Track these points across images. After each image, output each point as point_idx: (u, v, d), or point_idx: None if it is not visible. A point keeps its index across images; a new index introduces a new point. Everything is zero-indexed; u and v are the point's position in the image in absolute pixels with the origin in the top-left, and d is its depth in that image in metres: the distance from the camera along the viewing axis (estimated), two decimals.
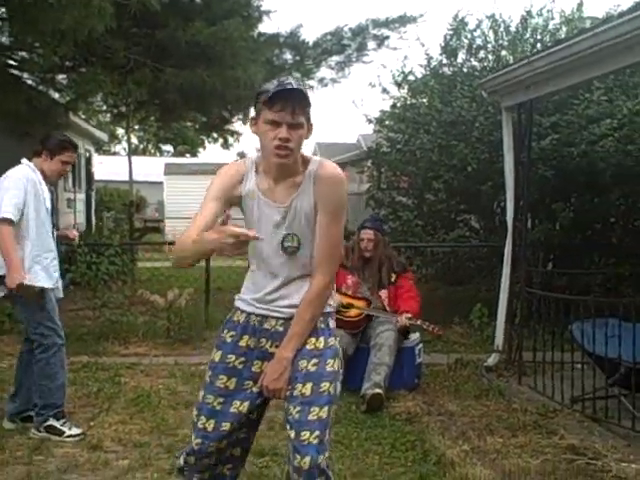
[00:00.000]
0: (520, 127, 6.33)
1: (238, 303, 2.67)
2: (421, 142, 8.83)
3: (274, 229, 2.55)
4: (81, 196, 14.13)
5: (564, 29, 9.52)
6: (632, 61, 4.73)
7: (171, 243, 9.79)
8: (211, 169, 18.54)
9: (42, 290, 4.33)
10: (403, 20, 11.02)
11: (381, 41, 11.13)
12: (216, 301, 7.92)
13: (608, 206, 7.94)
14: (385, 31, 11.09)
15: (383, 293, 5.63)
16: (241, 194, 2.56)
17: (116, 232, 11.73)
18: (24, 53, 9.07)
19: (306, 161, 2.56)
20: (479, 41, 9.67)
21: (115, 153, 25.05)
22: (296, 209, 2.53)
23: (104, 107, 12.73)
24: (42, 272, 4.33)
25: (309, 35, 11.59)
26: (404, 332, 5.56)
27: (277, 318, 2.59)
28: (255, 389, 2.60)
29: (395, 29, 11.07)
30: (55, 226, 4.62)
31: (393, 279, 5.65)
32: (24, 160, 4.49)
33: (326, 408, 2.49)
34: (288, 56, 11.15)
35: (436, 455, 4.09)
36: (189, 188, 22.01)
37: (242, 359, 2.60)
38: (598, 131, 7.52)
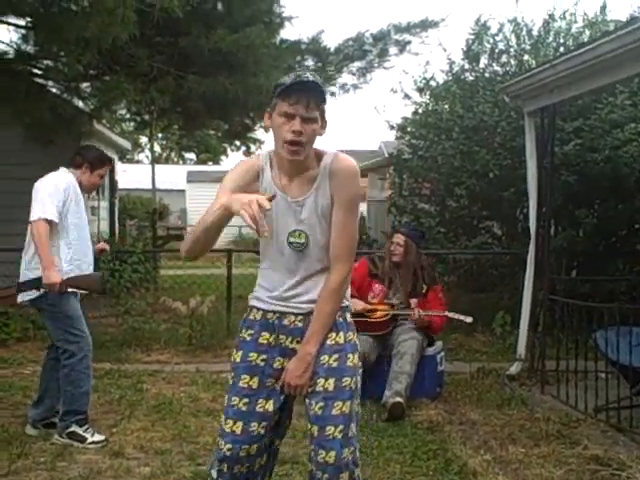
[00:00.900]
0: (543, 132, 6.29)
1: (253, 302, 2.66)
2: (443, 148, 8.80)
3: (289, 225, 2.55)
4: (105, 204, 14.21)
5: (587, 32, 9.45)
6: None
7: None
8: None
9: (69, 292, 4.36)
10: (425, 25, 10.96)
11: (403, 46, 11.08)
12: (238, 308, 7.92)
13: (632, 212, 7.84)
14: (407, 36, 11.04)
15: (414, 302, 5.58)
16: (259, 190, 2.53)
17: (139, 240, 11.81)
18: (49, 61, 9.15)
19: (320, 155, 2.55)
20: (501, 45, 9.63)
21: (138, 161, 25.22)
22: (312, 205, 2.52)
23: (127, 115, 12.81)
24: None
25: (331, 41, 11.58)
26: (427, 334, 5.54)
27: (296, 314, 2.58)
28: (278, 386, 2.58)
29: (417, 34, 11.02)
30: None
31: (424, 291, 5.62)
32: (63, 168, 4.56)
33: (349, 403, 2.50)
34: (310, 62, 11.15)
35: (458, 465, 4.06)
36: (211, 195, 22.07)
37: (263, 356, 2.58)
38: (622, 136, 7.45)
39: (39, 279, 4.28)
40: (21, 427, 4.61)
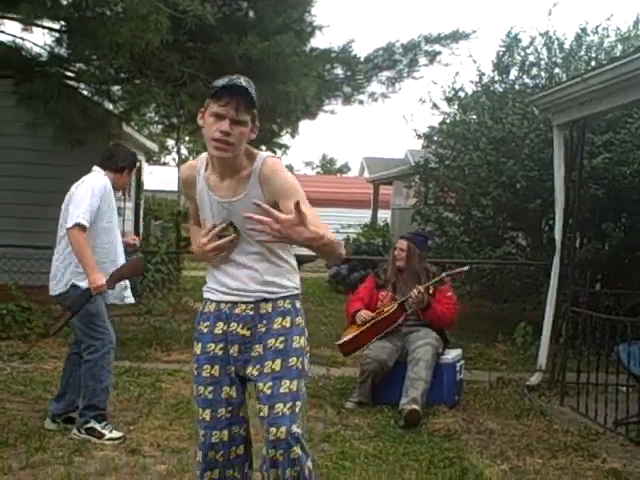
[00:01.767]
0: (571, 145, 6.25)
1: (207, 295, 2.77)
2: (470, 158, 8.78)
3: (218, 220, 2.65)
4: (130, 205, 14.36)
5: (620, 47, 9.37)
6: None
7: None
8: None
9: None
10: (455, 36, 10.96)
11: (433, 57, 11.08)
12: None
13: None
14: (437, 47, 11.03)
15: (415, 291, 5.54)
16: (197, 192, 2.69)
17: (163, 241, 11.90)
18: (81, 65, 9.29)
19: (252, 157, 2.63)
20: (532, 58, 9.57)
21: (165, 163, 25.40)
22: (241, 207, 2.56)
23: (156, 118, 12.93)
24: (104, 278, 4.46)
25: (361, 50, 11.55)
26: (443, 336, 5.53)
27: (246, 302, 2.67)
28: (234, 373, 2.69)
29: (447, 45, 11.01)
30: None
31: (431, 291, 5.61)
32: (97, 168, 4.64)
33: (296, 382, 2.60)
34: (339, 71, 11.18)
35: (474, 473, 4.04)
36: None
37: (221, 345, 2.69)
38: None
39: (88, 289, 4.37)
40: (40, 421, 4.66)
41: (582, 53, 9.46)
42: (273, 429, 2.54)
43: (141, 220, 15.73)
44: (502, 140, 8.45)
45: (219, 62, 8.84)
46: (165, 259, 9.58)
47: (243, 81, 2.52)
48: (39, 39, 9.38)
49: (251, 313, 2.66)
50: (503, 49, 9.72)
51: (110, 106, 10.34)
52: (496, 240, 9.03)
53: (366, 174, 26.31)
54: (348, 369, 6.47)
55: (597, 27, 9.58)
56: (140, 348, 7.03)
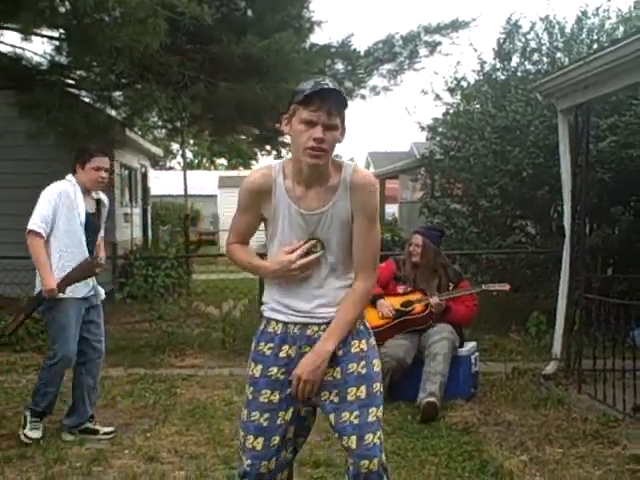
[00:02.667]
0: (577, 130, 6.20)
1: (269, 313, 2.61)
2: (475, 148, 8.74)
3: (303, 236, 2.53)
4: (137, 210, 14.37)
5: (621, 28, 9.32)
6: None
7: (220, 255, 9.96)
8: None
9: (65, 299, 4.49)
10: (455, 25, 10.89)
11: (433, 47, 11.02)
12: None
13: None
14: (437, 37, 10.98)
15: (434, 299, 5.53)
16: (272, 203, 2.53)
17: (172, 245, 11.90)
18: (82, 72, 9.29)
19: (337, 166, 2.53)
20: (533, 44, 9.54)
21: (170, 168, 25.37)
22: (331, 216, 2.51)
23: (159, 123, 12.94)
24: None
25: (360, 44, 11.52)
26: (459, 333, 5.50)
27: (319, 324, 2.55)
28: (292, 398, 2.56)
29: (447, 35, 10.95)
30: (91, 240, 4.66)
31: (450, 289, 5.59)
32: (68, 175, 4.65)
33: (381, 407, 2.54)
34: (340, 66, 11.14)
35: (494, 466, 4.01)
36: None
37: (283, 369, 2.56)
38: None
39: (40, 292, 4.48)
40: (57, 432, 4.66)
41: (583, 36, 9.41)
42: (365, 462, 2.45)
43: (149, 226, 15.76)
44: (506, 128, 8.40)
45: (219, 62, 8.82)
46: (175, 264, 9.56)
47: (330, 83, 2.43)
48: (39, 48, 9.38)
49: (323, 335, 2.54)
50: (504, 36, 9.69)
51: (112, 112, 10.34)
52: (505, 229, 8.99)
53: (371, 169, 26.28)
54: None
55: (598, 9, 9.56)
56: (154, 354, 7.02)
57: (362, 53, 10.91)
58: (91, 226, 4.62)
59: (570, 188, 6.21)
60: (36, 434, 4.52)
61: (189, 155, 34.13)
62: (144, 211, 15.38)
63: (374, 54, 10.98)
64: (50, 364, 4.56)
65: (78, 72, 9.40)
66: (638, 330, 4.94)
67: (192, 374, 6.34)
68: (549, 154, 7.68)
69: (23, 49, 9.18)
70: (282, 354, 2.57)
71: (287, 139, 13.96)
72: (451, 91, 10.39)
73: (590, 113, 6.27)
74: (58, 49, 9.05)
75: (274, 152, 14.14)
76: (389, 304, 5.48)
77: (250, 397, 2.59)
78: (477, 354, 5.72)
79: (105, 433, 4.61)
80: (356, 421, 2.48)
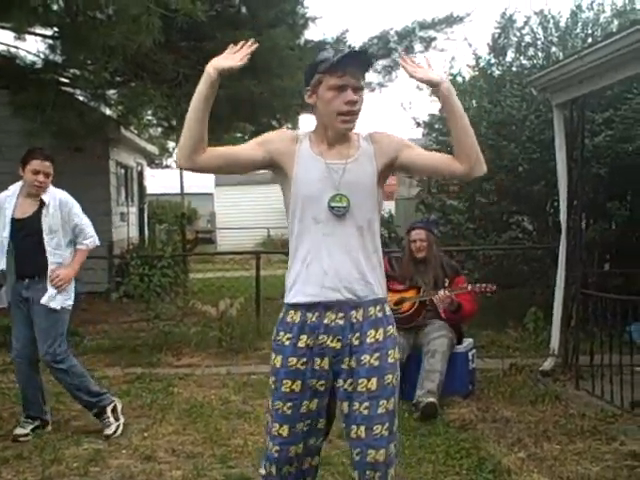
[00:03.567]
0: (572, 124, 6.20)
1: (290, 297, 2.58)
2: None
3: (327, 191, 2.52)
4: (134, 209, 14.33)
5: (616, 22, 9.30)
6: None
7: (218, 253, 9.89)
8: (260, 179, 18.68)
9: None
10: (450, 21, 10.91)
11: (428, 43, 11.04)
12: (267, 310, 7.93)
13: None
14: (432, 33, 11.00)
15: (441, 293, 5.50)
16: (294, 154, 2.54)
17: (168, 244, 11.87)
18: (76, 70, 9.26)
19: (354, 132, 2.60)
20: (528, 38, 9.51)
21: (167, 166, 25.27)
22: (355, 169, 2.53)
23: (154, 121, 12.92)
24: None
25: (355, 40, 11.55)
26: (457, 330, 5.49)
27: (335, 310, 2.51)
28: (321, 387, 2.56)
29: (442, 30, 10.97)
30: (27, 244, 4.64)
31: (447, 283, 5.55)
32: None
33: (393, 399, 2.54)
34: None
35: (492, 463, 4.01)
36: (239, 199, 22.20)
37: (303, 360, 2.54)
38: None
39: None
40: (54, 433, 4.66)
41: (578, 30, 9.40)
42: (372, 452, 2.48)
43: (146, 225, 15.73)
44: (502, 123, 8.38)
45: None
46: (171, 262, 9.54)
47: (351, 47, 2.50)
48: (32, 46, 9.35)
49: (341, 323, 2.52)
50: (498, 31, 9.66)
51: (107, 111, 10.32)
52: (501, 225, 8.97)
53: None
54: None
55: (592, 3, 9.54)
56: (151, 354, 7.00)
57: (357, 49, 10.89)
58: (21, 231, 4.61)
59: (566, 183, 6.21)
60: (18, 430, 4.60)
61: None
62: (140, 210, 15.35)
63: (369, 50, 10.97)
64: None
65: (72, 70, 9.38)
66: (635, 325, 4.93)
67: (189, 373, 6.33)
68: (545, 149, 7.67)
69: (17, 48, 9.19)
70: (300, 344, 2.55)
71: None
72: None
73: (585, 107, 6.27)
74: (52, 47, 9.04)
75: None
76: None
77: (273, 387, 2.60)
78: (474, 351, 5.71)
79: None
80: (365, 412, 2.50)
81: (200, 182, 25.41)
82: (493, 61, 9.77)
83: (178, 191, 16.38)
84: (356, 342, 2.53)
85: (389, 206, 18.69)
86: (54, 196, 4.69)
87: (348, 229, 2.52)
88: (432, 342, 5.30)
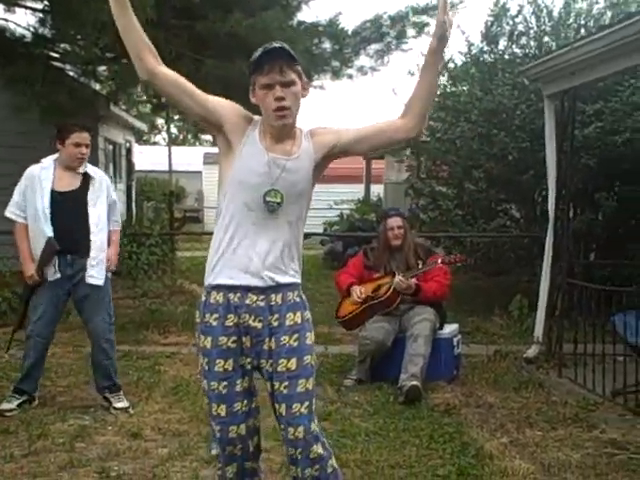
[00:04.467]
0: (563, 115, 6.23)
1: (212, 279, 2.61)
2: (461, 131, 8.73)
3: (263, 185, 2.56)
4: (121, 186, 14.27)
5: (609, 13, 9.32)
6: None
7: (205, 233, 9.86)
8: None
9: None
10: None
11: (421, 28, 10.97)
12: None
13: None
14: (425, 18, 10.92)
15: (413, 281, 5.53)
16: (242, 135, 2.57)
17: (156, 222, 11.82)
18: (66, 45, 9.17)
19: (299, 128, 2.65)
20: (521, 27, 9.51)
21: (155, 143, 25.13)
22: (293, 169, 2.57)
23: (144, 97, 12.84)
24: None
25: (348, 23, 11.46)
26: (440, 313, 5.54)
27: (257, 293, 2.57)
28: (249, 365, 2.63)
29: (435, 16, 10.90)
30: (69, 219, 4.64)
31: (420, 266, 5.57)
32: (46, 158, 4.74)
33: (311, 379, 2.61)
34: (327, 45, 11.06)
35: (475, 448, 4.06)
36: None
37: (234, 338, 2.59)
38: None
39: (25, 284, 4.70)
40: (40, 408, 4.68)
41: (571, 21, 9.40)
42: (291, 429, 2.54)
43: (133, 202, 15.66)
44: (493, 111, 8.41)
45: (205, 39, 8.74)
46: (159, 241, 9.50)
47: (276, 44, 2.50)
48: (22, 19, 9.23)
49: (262, 304, 2.58)
50: (491, 19, 9.64)
51: (97, 87, 10.24)
52: (490, 213, 9.03)
53: None
54: (346, 347, 6.49)
55: None
56: (137, 331, 7.00)
57: (350, 32, 10.83)
58: (64, 205, 4.60)
59: (555, 173, 6.25)
60: (5, 405, 4.61)
61: (174, 130, 33.89)
62: (128, 187, 15.28)
63: (362, 34, 10.92)
64: (25, 338, 4.74)
65: (62, 45, 9.28)
66: (618, 315, 4.99)
67: (176, 351, 6.35)
68: (535, 139, 7.71)
69: (6, 20, 9.05)
70: (228, 323, 2.59)
71: None
72: None
73: (576, 99, 6.30)
74: (42, 21, 8.92)
75: None
76: (360, 289, 5.49)
77: (206, 368, 2.63)
78: (459, 336, 5.77)
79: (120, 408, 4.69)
80: (285, 391, 2.56)
81: (189, 160, 25.29)
82: (485, 49, 9.77)
83: (166, 168, 16.24)
84: (275, 323, 2.59)
85: (378, 190, 18.75)
86: (94, 169, 4.77)
87: (278, 222, 2.59)
88: (415, 326, 5.34)
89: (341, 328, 5.97)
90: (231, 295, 2.59)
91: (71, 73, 9.57)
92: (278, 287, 2.60)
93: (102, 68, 9.85)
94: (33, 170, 4.65)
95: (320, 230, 14.23)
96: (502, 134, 8.12)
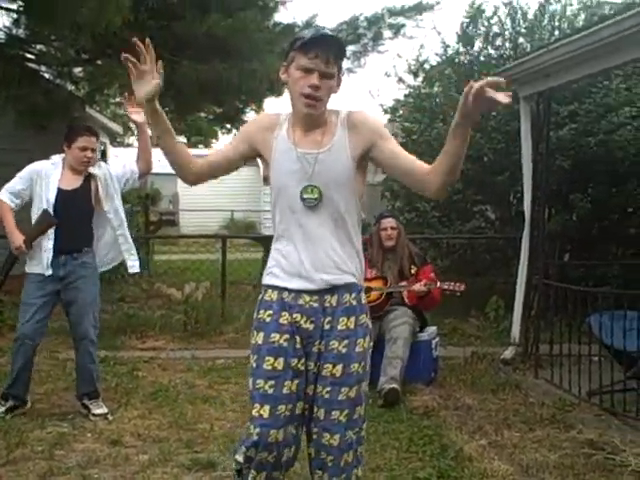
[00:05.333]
0: (538, 116, 6.28)
1: (267, 279, 2.60)
2: (437, 132, 8.78)
3: (300, 182, 2.52)
4: None
5: (583, 15, 9.43)
6: None
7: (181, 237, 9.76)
8: None
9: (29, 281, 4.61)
10: (419, 8, 10.91)
11: (397, 30, 11.02)
12: (232, 295, 7.93)
13: (626, 196, 7.88)
14: (401, 19, 10.98)
15: (403, 284, 5.57)
16: (271, 144, 2.54)
17: (131, 225, 11.73)
18: (41, 46, 9.08)
19: (335, 113, 2.55)
20: (496, 29, 9.58)
21: (129, 145, 24.81)
22: (328, 160, 2.50)
23: (119, 99, 12.72)
24: (29, 258, 4.63)
25: (325, 24, 11.47)
26: (420, 317, 5.56)
27: (311, 293, 2.53)
28: (301, 367, 2.55)
29: (411, 17, 10.96)
30: (72, 217, 4.64)
31: (413, 271, 5.62)
32: (55, 155, 4.73)
33: (355, 387, 2.53)
34: None
35: (454, 450, 4.09)
36: None
37: (286, 336, 2.52)
38: (616, 120, 7.45)
39: (10, 251, 4.59)
40: (18, 416, 4.62)
41: (546, 22, 9.50)
42: (327, 435, 2.51)
43: None
44: None
45: (182, 40, 8.70)
46: (135, 245, 9.44)
47: (330, 32, 2.44)
48: None
49: (315, 305, 2.53)
50: (467, 20, 9.71)
51: (73, 88, 10.14)
52: (465, 214, 9.08)
53: None
54: None
55: None
56: (114, 336, 6.95)
57: (331, 33, 10.84)
58: (68, 203, 4.60)
59: (530, 174, 6.30)
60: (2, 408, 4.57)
61: (149, 132, 33.50)
62: None
63: (338, 35, 10.93)
64: (14, 341, 4.68)
65: (38, 47, 9.19)
66: (594, 316, 5.05)
67: (154, 356, 6.33)
68: (510, 140, 7.77)
69: None
70: (282, 320, 2.54)
71: (247, 118, 13.90)
72: (414, 74, 10.41)
73: (551, 100, 6.35)
74: (16, 22, 8.82)
75: (234, 130, 14.01)
76: None
77: (254, 365, 2.55)
78: (438, 339, 5.80)
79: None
80: (327, 396, 2.52)
81: (163, 162, 25.03)
82: (461, 50, 9.83)
83: None
84: (327, 326, 2.54)
85: None
86: (96, 168, 4.78)
87: (322, 219, 2.52)
88: (394, 329, 5.37)
89: None
90: (285, 294, 2.55)
91: (46, 75, 9.47)
92: (333, 289, 2.54)
93: (78, 70, 9.76)
94: (44, 167, 4.63)
95: None
96: (478, 135, 8.18)
